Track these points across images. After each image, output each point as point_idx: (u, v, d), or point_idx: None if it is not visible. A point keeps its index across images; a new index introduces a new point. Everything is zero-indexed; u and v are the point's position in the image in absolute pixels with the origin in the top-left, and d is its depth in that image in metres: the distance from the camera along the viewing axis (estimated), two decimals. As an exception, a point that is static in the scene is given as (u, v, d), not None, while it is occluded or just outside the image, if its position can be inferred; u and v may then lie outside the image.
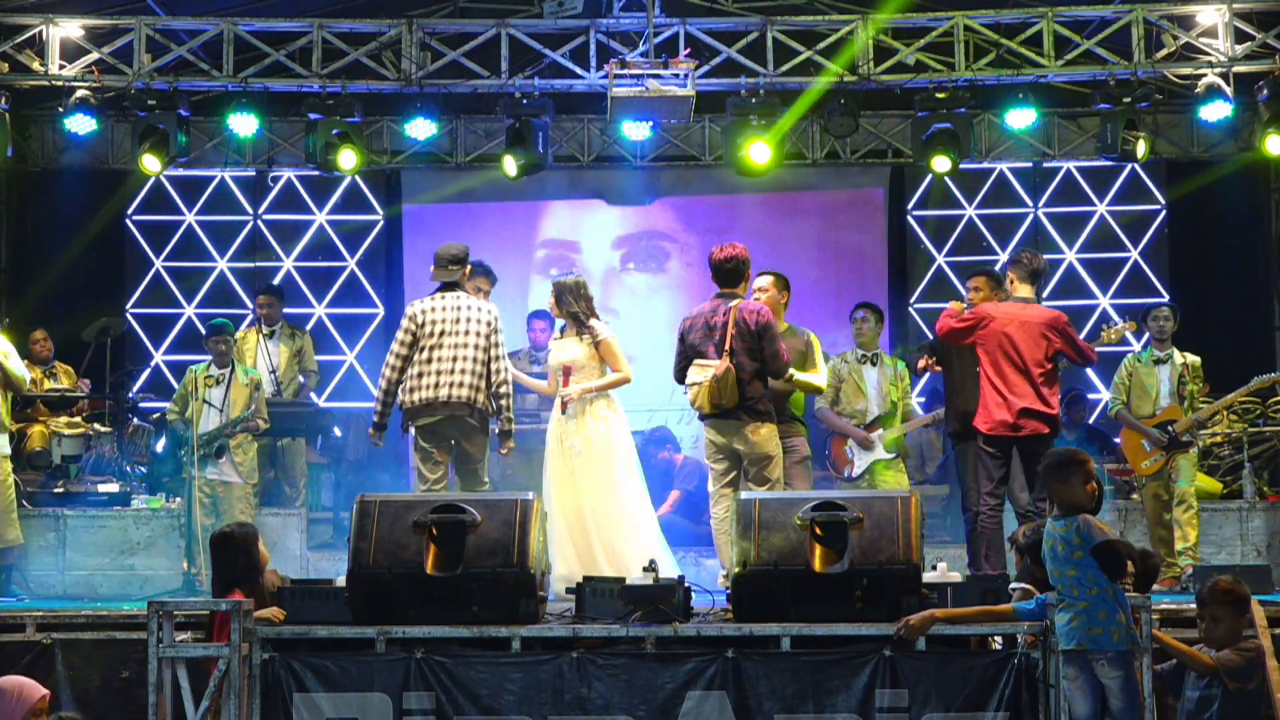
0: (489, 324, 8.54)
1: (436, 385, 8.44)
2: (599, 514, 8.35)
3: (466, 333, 8.50)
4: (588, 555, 8.27)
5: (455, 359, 8.46)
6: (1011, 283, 8.83)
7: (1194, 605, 6.49)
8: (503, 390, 8.52)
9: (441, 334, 8.51)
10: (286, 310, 12.26)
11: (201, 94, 11.85)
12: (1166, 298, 12.79)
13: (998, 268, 12.19)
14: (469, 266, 8.81)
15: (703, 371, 8.19)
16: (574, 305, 8.67)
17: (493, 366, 8.50)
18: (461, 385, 8.42)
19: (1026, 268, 8.85)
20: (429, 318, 8.55)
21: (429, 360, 8.49)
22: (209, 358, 10.74)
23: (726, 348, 8.13)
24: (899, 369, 10.55)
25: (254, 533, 6.90)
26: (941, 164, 11.91)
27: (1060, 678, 5.94)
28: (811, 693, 6.17)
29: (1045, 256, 13.57)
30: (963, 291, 9.61)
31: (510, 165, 11.88)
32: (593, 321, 8.67)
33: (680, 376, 8.39)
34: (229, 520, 10.35)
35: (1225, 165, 13.20)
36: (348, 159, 11.94)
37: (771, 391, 8.37)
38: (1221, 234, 13.28)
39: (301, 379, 11.94)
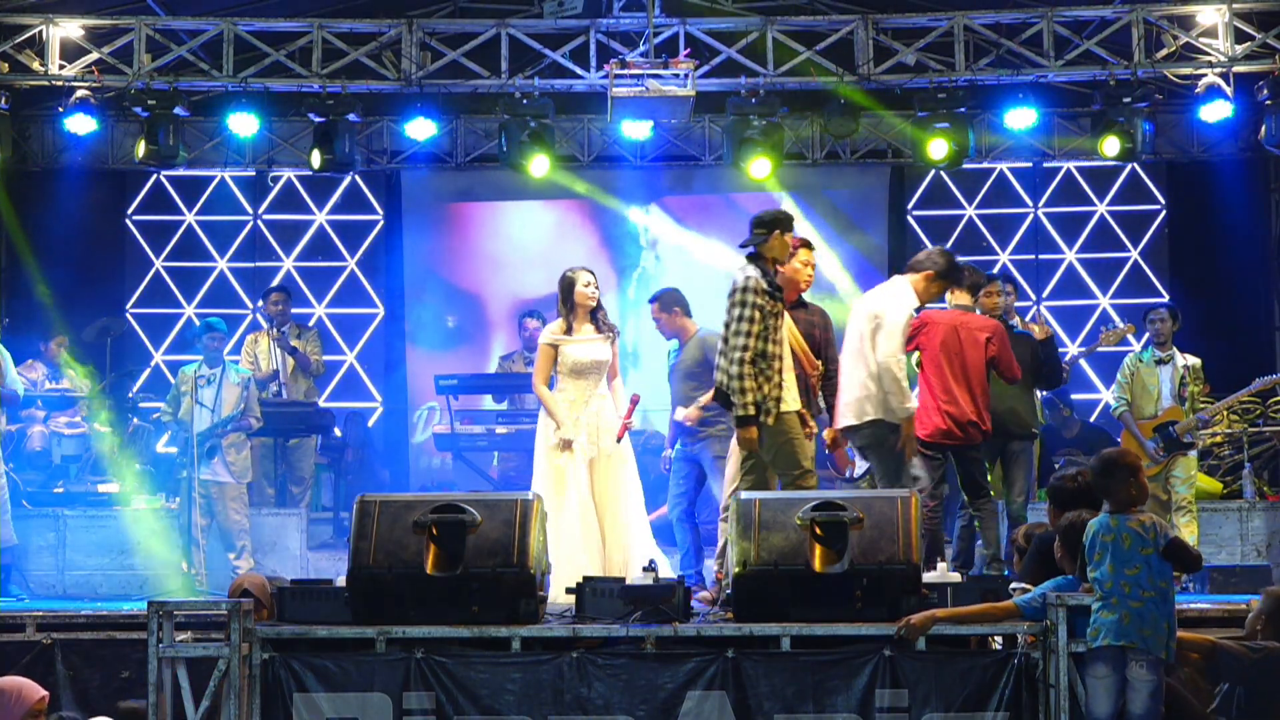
0: None
1: None
2: (621, 515, 8.28)
3: None
4: (600, 556, 8.20)
5: None
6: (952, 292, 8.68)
7: (1193, 605, 6.48)
8: None
9: None
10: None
11: (201, 94, 11.84)
12: (1166, 298, 12.79)
13: (996, 268, 12.26)
14: (762, 230, 8.10)
15: None
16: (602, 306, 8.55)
17: None
18: None
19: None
20: None
21: None
22: (202, 357, 10.75)
23: None
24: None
25: (262, 582, 6.89)
26: (938, 148, 11.66)
27: (1087, 674, 5.91)
28: (811, 693, 6.17)
29: (1045, 256, 13.77)
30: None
31: (543, 165, 11.83)
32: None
33: None
34: (223, 520, 10.38)
35: (1225, 165, 13.20)
36: (313, 158, 11.97)
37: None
38: (1221, 234, 13.26)
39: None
